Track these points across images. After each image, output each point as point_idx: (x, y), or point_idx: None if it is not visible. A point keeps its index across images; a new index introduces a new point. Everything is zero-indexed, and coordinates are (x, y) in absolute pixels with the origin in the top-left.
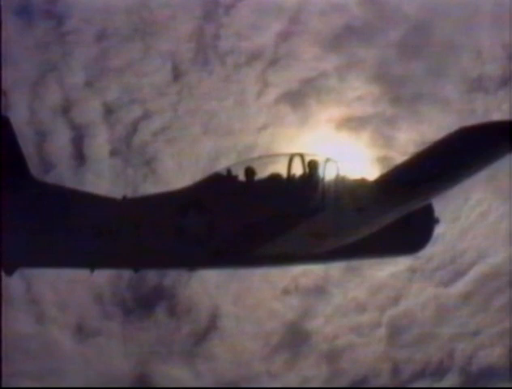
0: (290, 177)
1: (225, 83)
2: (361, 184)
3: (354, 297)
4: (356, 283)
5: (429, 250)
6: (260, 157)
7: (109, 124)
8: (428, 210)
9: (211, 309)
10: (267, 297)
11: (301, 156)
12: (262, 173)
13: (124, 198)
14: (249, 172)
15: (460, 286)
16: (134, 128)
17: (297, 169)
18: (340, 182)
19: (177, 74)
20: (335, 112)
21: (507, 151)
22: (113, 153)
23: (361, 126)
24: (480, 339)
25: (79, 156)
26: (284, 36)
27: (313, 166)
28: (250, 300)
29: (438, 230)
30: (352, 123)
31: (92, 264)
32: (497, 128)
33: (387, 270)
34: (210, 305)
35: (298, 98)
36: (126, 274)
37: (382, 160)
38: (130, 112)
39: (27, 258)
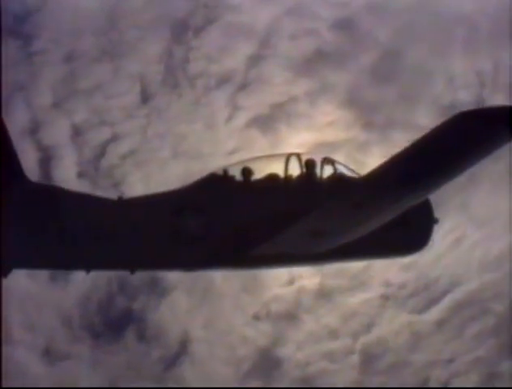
0: (287, 177)
1: (195, 107)
2: (358, 181)
3: (326, 324)
4: (328, 309)
5: (402, 276)
6: (257, 157)
7: (77, 146)
8: (428, 210)
9: (181, 334)
10: (238, 323)
11: (298, 155)
12: (259, 173)
13: (119, 198)
14: (246, 172)
15: (434, 313)
16: (102, 150)
17: (294, 169)
18: (337, 180)
19: (145, 97)
20: (306, 137)
21: (506, 139)
22: (81, 175)
23: (333, 152)
24: (454, 366)
25: (46, 178)
26: (254, 60)
27: (310, 165)
28: (221, 325)
29: (411, 257)
30: (324, 148)
31: (88, 266)
32: (497, 113)
33: (359, 296)
34: (180, 329)
35: (268, 122)
36: (95, 296)
37: None
38: (99, 134)
39: (21, 259)
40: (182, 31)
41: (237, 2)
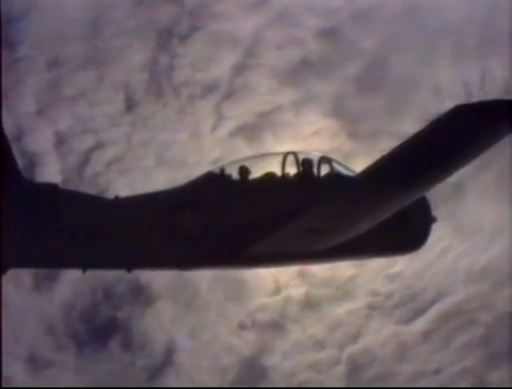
0: (284, 175)
1: (179, 115)
2: (355, 179)
3: (312, 334)
4: (314, 319)
5: (389, 286)
6: (254, 156)
7: (61, 153)
8: (426, 208)
9: (167, 343)
10: (224, 332)
11: (295, 154)
12: (257, 171)
13: (116, 197)
14: (244, 171)
15: (420, 324)
16: (86, 158)
17: (292, 168)
18: (334, 179)
19: (130, 105)
20: (292, 146)
21: (506, 133)
22: (65, 183)
23: None
24: (441, 377)
25: None
26: (240, 69)
27: (307, 164)
28: (206, 334)
29: (397, 267)
30: None
31: (84, 264)
32: (496, 107)
33: (346, 306)
34: (165, 338)
35: (253, 132)
36: (80, 304)
37: None
38: (83, 141)
39: (19, 258)
40: (167, 39)
41: (222, 10)
